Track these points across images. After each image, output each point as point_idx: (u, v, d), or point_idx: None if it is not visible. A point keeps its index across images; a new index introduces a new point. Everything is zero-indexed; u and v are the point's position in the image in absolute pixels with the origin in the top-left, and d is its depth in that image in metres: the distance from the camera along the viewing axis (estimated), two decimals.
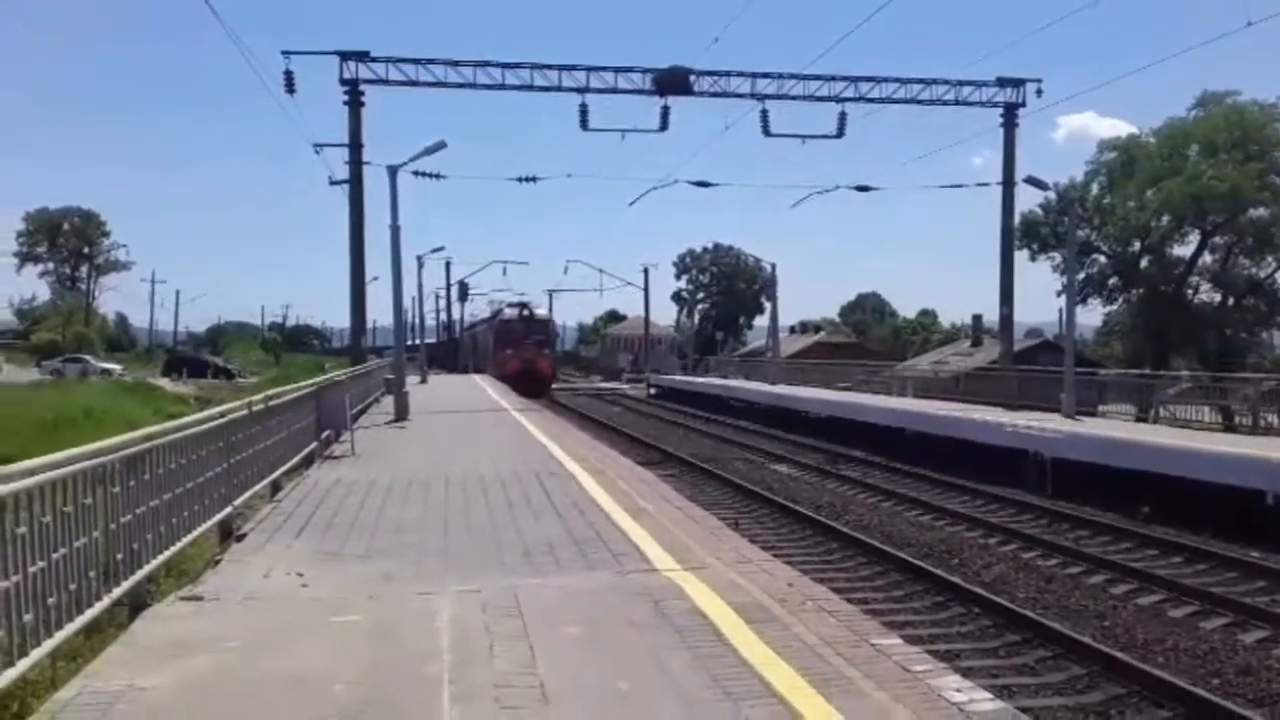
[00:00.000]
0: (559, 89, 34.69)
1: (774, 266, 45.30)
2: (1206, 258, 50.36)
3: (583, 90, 34.43)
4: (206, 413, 9.46)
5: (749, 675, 5.09)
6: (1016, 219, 40.00)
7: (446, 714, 4.63)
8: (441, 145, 23.86)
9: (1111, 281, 52.31)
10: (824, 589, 6.88)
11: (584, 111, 34.34)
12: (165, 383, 55.34)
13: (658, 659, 5.38)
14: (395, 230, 23.25)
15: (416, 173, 29.90)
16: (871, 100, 35.86)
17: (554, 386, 55.44)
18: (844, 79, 35.34)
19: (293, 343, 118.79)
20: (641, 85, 34.82)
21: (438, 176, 33.11)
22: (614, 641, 5.73)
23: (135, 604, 6.53)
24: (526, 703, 4.74)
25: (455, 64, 34.51)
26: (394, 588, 7.02)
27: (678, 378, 59.03)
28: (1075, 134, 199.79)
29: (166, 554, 7.26)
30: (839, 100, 35.26)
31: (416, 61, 34.24)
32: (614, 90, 34.86)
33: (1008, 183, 36.56)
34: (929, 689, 4.90)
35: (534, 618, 6.16)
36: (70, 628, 5.44)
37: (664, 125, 34.85)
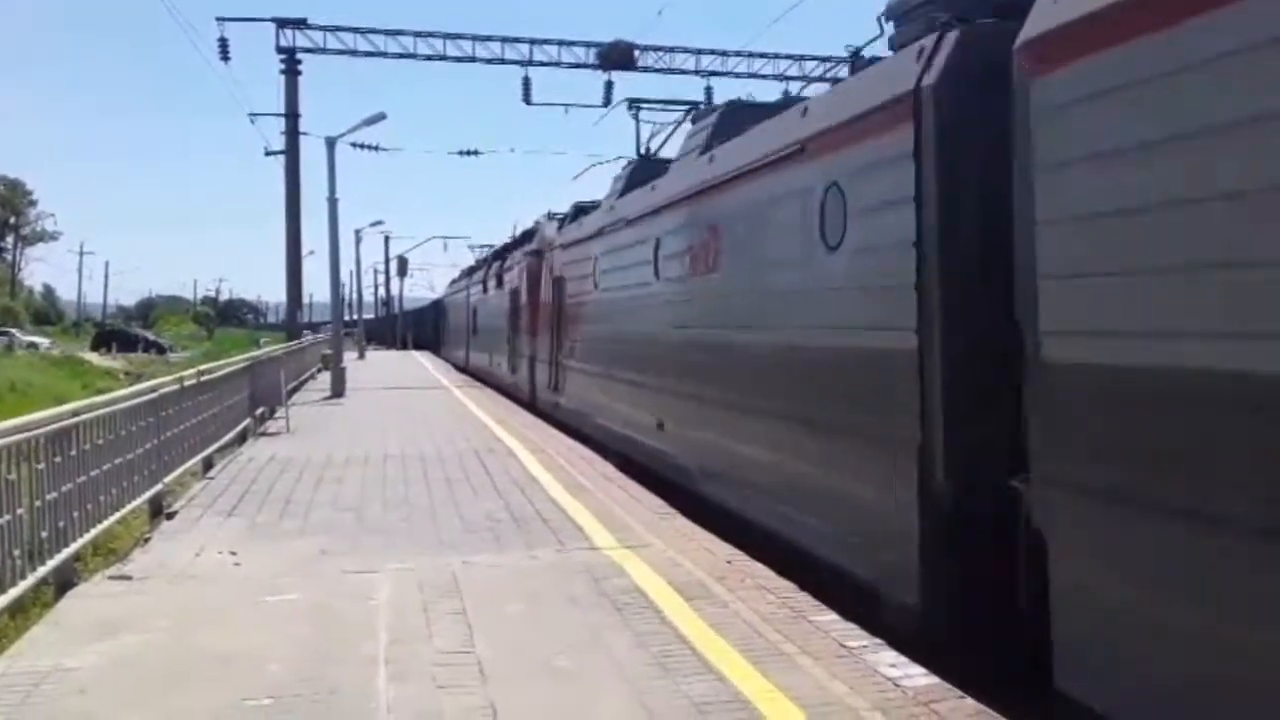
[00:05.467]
0: (502, 61, 34.33)
1: None
2: None
3: (526, 63, 34.10)
4: (136, 387, 9.24)
5: (688, 652, 5.11)
6: None
7: (382, 693, 4.58)
8: (381, 117, 23.50)
9: None
10: (763, 566, 6.92)
11: (527, 85, 34.04)
12: (94, 357, 54.10)
13: (598, 637, 5.38)
14: (333, 203, 22.90)
15: (355, 144, 29.53)
16: (815, 79, 36.00)
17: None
18: (788, 57, 35.46)
19: (226, 317, 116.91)
20: (585, 60, 34.57)
21: (377, 149, 32.72)
22: (554, 619, 5.71)
23: (61, 583, 6.37)
24: (464, 681, 4.71)
25: (395, 34, 33.94)
26: (330, 566, 6.93)
27: None
28: None
29: (94, 532, 7.10)
30: (783, 78, 35.35)
31: (355, 30, 33.61)
32: (557, 64, 34.58)
33: None
34: (865, 664, 4.96)
35: (473, 596, 6.12)
36: None
37: (608, 100, 34.63)
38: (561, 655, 5.08)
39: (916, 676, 4.84)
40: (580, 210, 18.06)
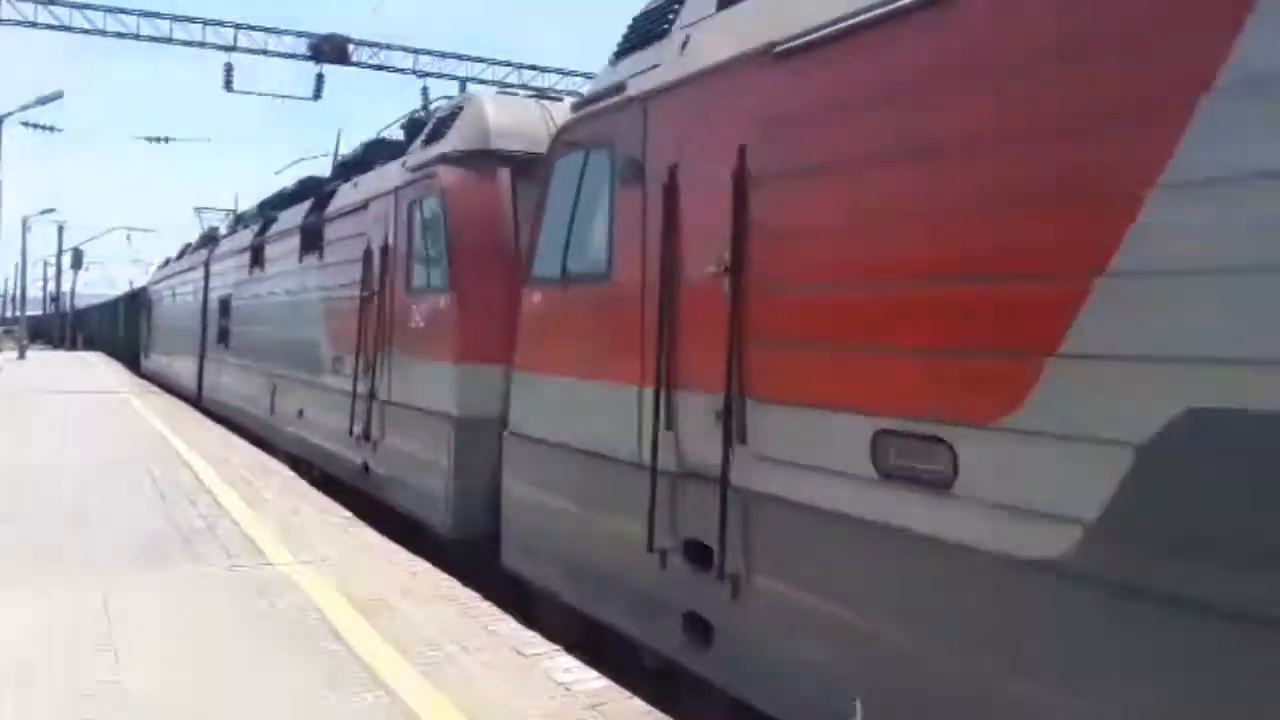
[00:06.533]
0: (202, 45, 32.17)
1: None
2: None
3: (229, 49, 32.15)
4: None
5: (359, 668, 4.94)
6: None
7: None
8: (57, 95, 21.46)
9: None
10: (446, 575, 6.83)
11: (229, 72, 32.09)
12: None
13: (265, 658, 5.09)
14: None
15: (27, 124, 26.63)
16: (532, 87, 36.36)
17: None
18: (509, 64, 35.66)
19: None
20: (295, 50, 33.06)
21: (52, 130, 29.71)
22: (217, 643, 5.34)
23: None
24: (104, 715, 4.29)
25: (82, 7, 30.97)
26: None
27: None
28: None
29: None
30: (502, 85, 35.42)
31: (34, 0, 30.36)
32: (264, 52, 32.82)
33: None
34: (539, 671, 4.99)
35: (124, 621, 5.61)
36: None
37: (318, 94, 33.37)
38: (221, 681, 4.76)
39: (589, 680, 4.94)
40: None
